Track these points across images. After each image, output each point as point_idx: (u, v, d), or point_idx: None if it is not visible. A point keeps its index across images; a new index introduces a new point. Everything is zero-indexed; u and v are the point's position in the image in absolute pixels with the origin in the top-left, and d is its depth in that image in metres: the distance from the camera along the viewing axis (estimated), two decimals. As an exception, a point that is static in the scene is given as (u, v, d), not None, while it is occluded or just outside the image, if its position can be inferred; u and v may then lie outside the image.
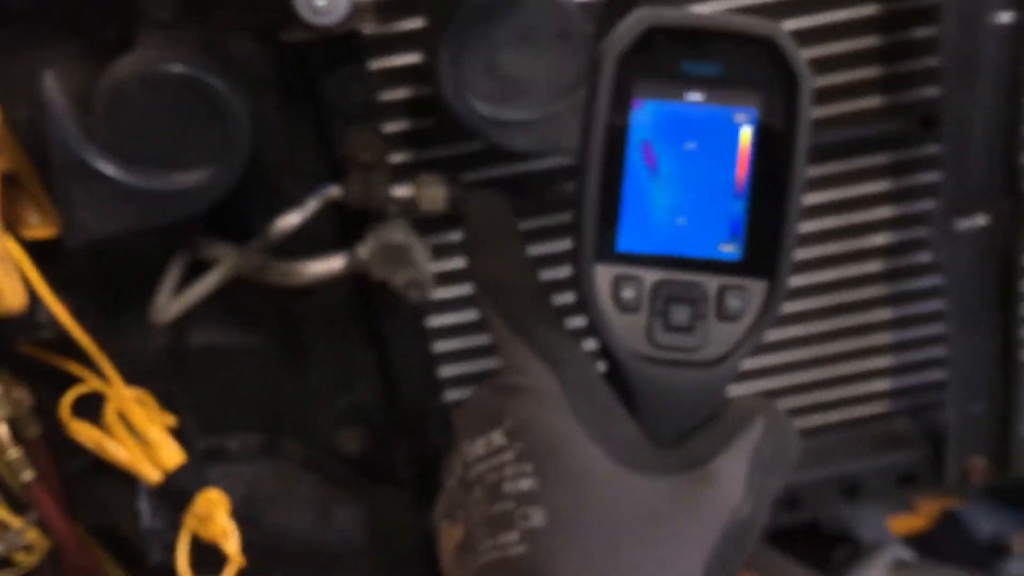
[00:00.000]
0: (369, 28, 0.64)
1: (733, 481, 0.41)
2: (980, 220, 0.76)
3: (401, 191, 0.67)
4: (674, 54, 0.45)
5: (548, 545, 0.40)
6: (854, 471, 0.82)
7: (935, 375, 0.84)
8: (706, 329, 0.46)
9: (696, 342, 0.46)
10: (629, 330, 0.46)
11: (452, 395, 0.80)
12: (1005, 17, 0.70)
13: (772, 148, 0.45)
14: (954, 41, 0.69)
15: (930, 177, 0.76)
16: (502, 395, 0.44)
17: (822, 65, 0.72)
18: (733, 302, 0.46)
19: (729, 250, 0.46)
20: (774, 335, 0.80)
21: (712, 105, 0.45)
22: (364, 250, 0.68)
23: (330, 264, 0.69)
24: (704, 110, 0.45)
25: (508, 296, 0.48)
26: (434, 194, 0.67)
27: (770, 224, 0.46)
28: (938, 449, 0.83)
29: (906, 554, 0.93)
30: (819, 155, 0.75)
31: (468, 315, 0.77)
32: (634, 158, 0.46)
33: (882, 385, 0.84)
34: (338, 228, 0.72)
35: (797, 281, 0.79)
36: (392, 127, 0.69)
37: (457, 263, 0.75)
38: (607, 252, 0.46)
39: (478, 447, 0.44)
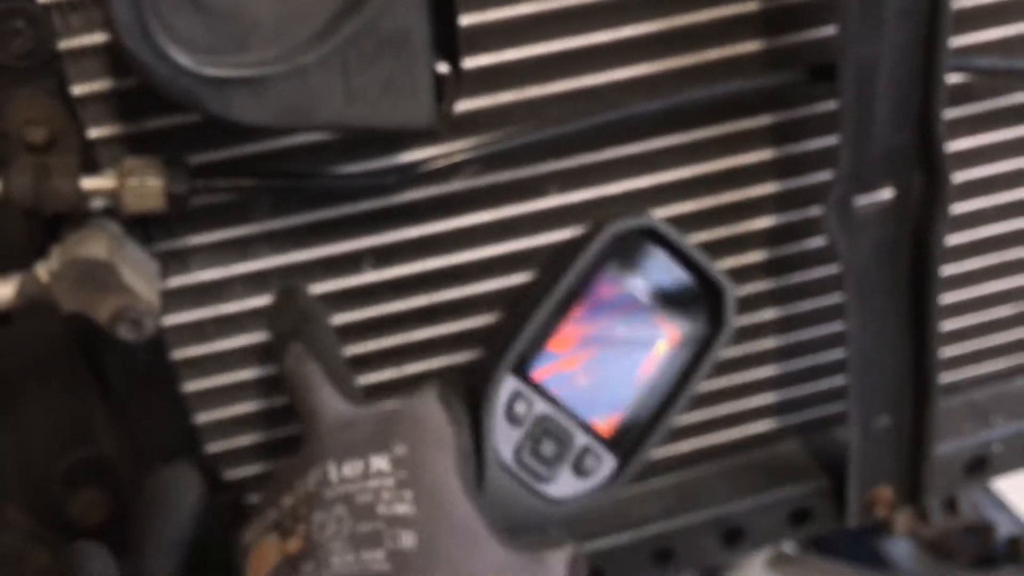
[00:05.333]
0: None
1: (557, 573, 0.48)
2: (885, 194, 0.60)
3: (96, 183, 0.47)
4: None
5: (414, 567, 0.43)
6: (734, 512, 0.66)
7: (830, 384, 0.68)
8: (560, 472, 0.54)
9: (548, 476, 0.54)
10: (505, 439, 0.53)
11: (217, 446, 0.61)
12: (917, -69, 0.53)
13: (679, 364, 0.55)
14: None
15: (822, 143, 0.60)
16: (397, 423, 0.48)
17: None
18: (588, 463, 0.54)
19: (601, 424, 0.54)
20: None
21: (644, 311, 0.55)
22: (45, 271, 0.47)
23: (-8, 293, 0.48)
24: (639, 311, 0.55)
25: None
26: (144, 186, 0.46)
27: (644, 422, 0.55)
28: (836, 477, 0.67)
29: (787, 546, 0.85)
30: (682, 119, 0.57)
31: (228, 342, 0.57)
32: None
33: (766, 400, 0.68)
34: (28, 236, 0.51)
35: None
36: (84, 87, 0.48)
37: (211, 274, 0.55)
38: (520, 369, 0.53)
39: (347, 469, 0.46)
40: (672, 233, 0.54)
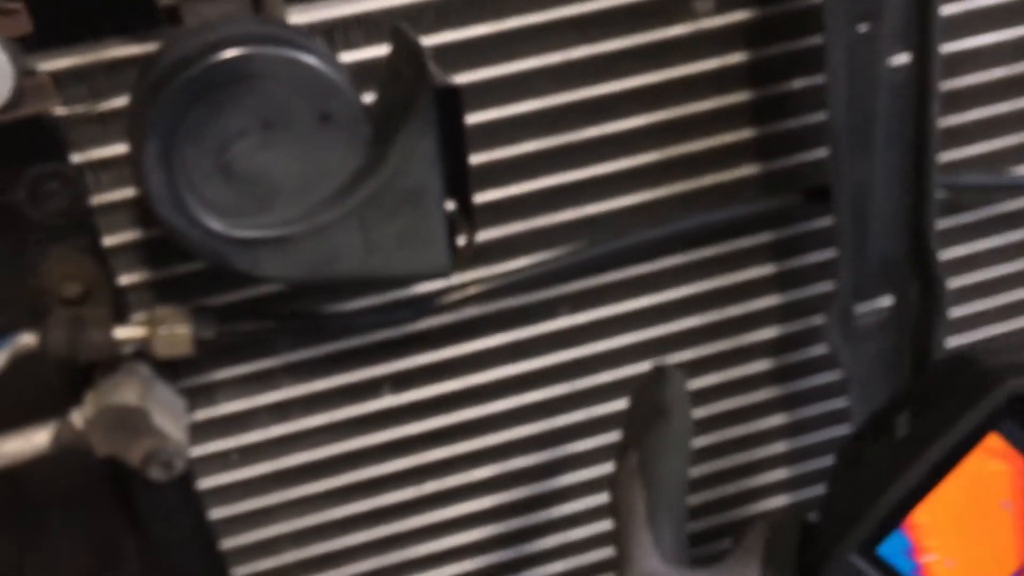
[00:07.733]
0: (58, 108, 0.45)
1: None
2: (884, 302, 0.62)
3: (128, 333, 0.49)
4: None
5: None
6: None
7: (840, 485, 0.69)
8: None
9: None
10: None
11: (243, 570, 0.62)
12: (901, 59, 0.56)
13: None
14: (844, 91, 0.55)
15: (820, 255, 0.62)
16: None
17: (686, 127, 0.57)
18: None
19: None
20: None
21: None
22: (80, 417, 0.49)
23: (31, 441, 0.50)
24: None
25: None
26: (174, 334, 0.49)
27: None
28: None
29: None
30: (683, 240, 0.59)
31: (252, 470, 0.59)
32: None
33: (776, 502, 0.69)
34: (63, 383, 0.53)
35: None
36: (114, 238, 0.51)
37: (236, 405, 0.57)
38: (868, 548, 0.43)
39: None
40: None
